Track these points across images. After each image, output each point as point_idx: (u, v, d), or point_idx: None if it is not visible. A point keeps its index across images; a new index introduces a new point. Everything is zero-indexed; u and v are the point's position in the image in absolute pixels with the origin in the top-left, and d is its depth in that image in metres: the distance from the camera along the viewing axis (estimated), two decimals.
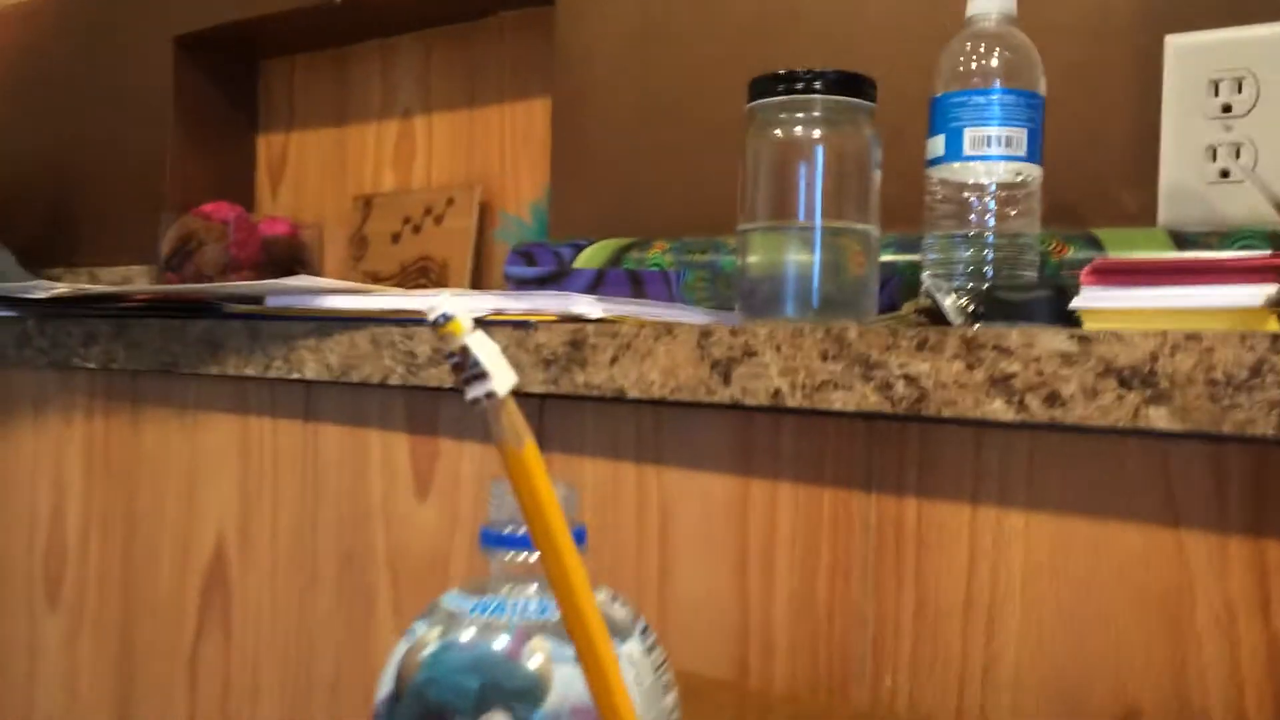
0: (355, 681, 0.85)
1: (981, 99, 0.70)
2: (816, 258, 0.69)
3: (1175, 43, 0.78)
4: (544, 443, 0.76)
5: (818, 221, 0.69)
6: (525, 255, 1.00)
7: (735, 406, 0.66)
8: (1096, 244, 0.73)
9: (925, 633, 0.60)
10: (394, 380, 0.77)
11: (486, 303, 0.75)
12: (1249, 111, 0.76)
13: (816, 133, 0.68)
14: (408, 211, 1.34)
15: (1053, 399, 0.53)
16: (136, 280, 1.50)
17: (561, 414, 0.75)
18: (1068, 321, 0.59)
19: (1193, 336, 0.49)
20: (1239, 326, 0.53)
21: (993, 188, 0.71)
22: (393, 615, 0.82)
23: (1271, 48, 0.75)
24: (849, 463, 0.63)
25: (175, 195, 1.46)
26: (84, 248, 1.60)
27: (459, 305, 0.23)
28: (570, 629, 0.25)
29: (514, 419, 0.23)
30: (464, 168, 1.31)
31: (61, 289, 0.94)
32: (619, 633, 0.37)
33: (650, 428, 0.71)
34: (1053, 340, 0.53)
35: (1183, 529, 0.53)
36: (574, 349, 0.69)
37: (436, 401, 0.81)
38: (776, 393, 0.61)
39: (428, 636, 0.37)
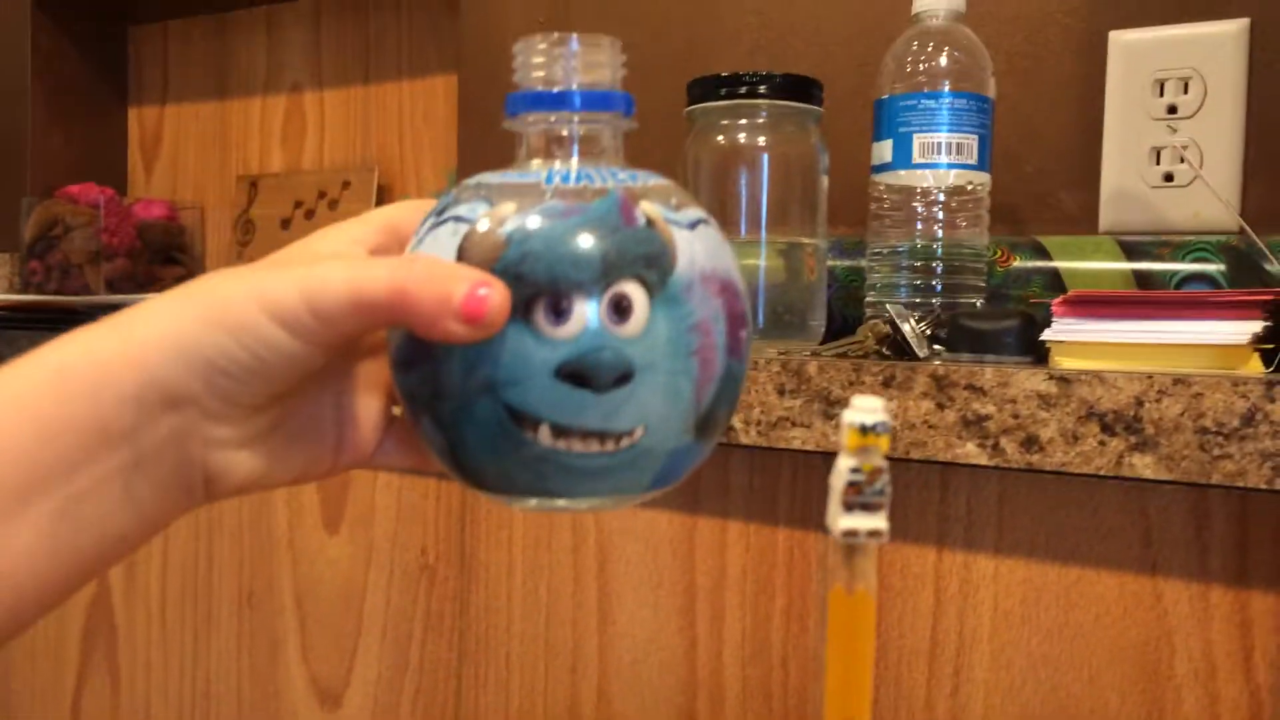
0: None
1: (931, 102, 0.66)
2: (761, 274, 0.64)
3: (1119, 39, 0.75)
4: None
5: (763, 235, 0.64)
6: None
7: None
8: (1042, 252, 0.71)
9: (887, 680, 0.57)
10: None
11: None
12: (1195, 113, 0.73)
13: (762, 140, 0.64)
14: (299, 195, 1.25)
15: (1030, 443, 0.50)
16: None
17: None
18: (1037, 353, 0.55)
19: (1180, 381, 0.46)
20: (1220, 364, 0.51)
21: (941, 196, 0.67)
22: (301, 661, 0.76)
23: (1218, 47, 0.72)
24: (805, 500, 0.59)
25: (37, 176, 1.34)
26: None
27: (879, 414, 0.23)
28: None
29: (869, 564, 0.23)
30: (359, 148, 1.23)
31: None
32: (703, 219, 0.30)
33: None
34: (1030, 380, 0.49)
35: (1161, 577, 0.51)
36: None
37: None
38: (728, 430, 0.57)
39: (498, 213, 0.28)
